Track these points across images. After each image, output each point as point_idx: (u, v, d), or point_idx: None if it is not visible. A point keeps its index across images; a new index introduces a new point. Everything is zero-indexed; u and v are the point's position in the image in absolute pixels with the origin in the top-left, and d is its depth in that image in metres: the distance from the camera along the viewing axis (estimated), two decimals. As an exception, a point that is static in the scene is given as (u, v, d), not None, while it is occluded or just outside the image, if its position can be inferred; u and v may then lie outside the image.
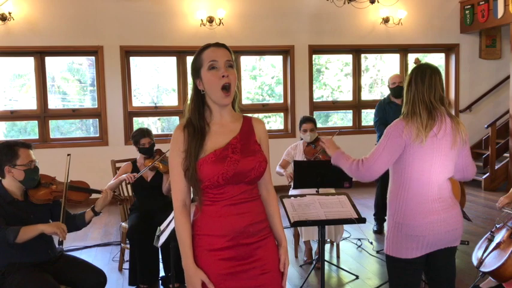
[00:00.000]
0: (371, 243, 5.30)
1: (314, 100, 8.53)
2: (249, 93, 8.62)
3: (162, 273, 4.27)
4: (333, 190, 4.59)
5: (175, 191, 1.99)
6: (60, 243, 3.01)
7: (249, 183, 1.99)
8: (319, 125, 8.21)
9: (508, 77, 8.95)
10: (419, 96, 2.50)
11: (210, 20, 7.69)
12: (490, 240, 3.51)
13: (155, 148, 4.43)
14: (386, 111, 5.52)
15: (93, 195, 3.42)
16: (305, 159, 4.78)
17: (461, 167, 2.63)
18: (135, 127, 7.86)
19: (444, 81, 9.39)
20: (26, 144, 3.11)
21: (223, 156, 1.93)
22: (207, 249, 1.95)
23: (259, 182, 2.08)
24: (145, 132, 4.36)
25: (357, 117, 8.82)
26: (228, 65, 1.95)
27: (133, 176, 4.17)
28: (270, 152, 2.13)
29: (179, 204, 1.99)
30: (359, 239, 5.37)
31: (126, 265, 4.44)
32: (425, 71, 2.54)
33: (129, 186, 4.53)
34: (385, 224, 5.67)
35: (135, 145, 4.39)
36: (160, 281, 4.22)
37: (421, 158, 2.47)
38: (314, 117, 7.80)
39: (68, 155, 3.28)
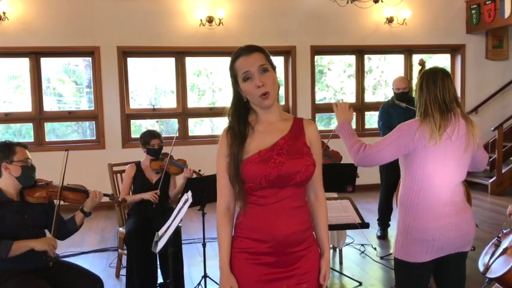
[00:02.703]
0: (374, 248, 5.30)
1: (316, 102, 8.54)
2: (250, 95, 8.63)
3: (160, 279, 4.27)
4: (335, 194, 4.59)
5: (220, 194, 2.01)
6: (50, 259, 3.04)
7: (296, 187, 1.96)
8: (321, 128, 8.24)
9: (515, 79, 8.99)
10: (431, 98, 2.51)
11: (210, 20, 7.71)
12: (497, 246, 3.50)
13: (162, 151, 4.49)
14: (390, 114, 5.52)
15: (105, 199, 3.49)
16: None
17: (475, 162, 2.67)
18: (133, 130, 7.89)
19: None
20: (22, 144, 3.24)
21: (268, 157, 1.92)
22: (249, 252, 1.96)
23: (308, 187, 2.06)
24: (156, 134, 4.49)
25: (360, 120, 8.83)
26: (262, 70, 1.94)
27: (156, 195, 4.25)
28: None
29: (223, 207, 2.00)
30: (362, 245, 5.38)
31: (124, 271, 4.44)
32: (437, 74, 2.56)
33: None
34: (389, 229, 5.72)
35: (144, 146, 4.44)
36: (158, 288, 4.23)
37: (433, 161, 2.48)
38: (316, 119, 7.83)
39: (66, 150, 3.30)
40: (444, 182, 2.50)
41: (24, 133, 7.88)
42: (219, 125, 8.35)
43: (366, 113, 8.86)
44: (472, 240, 2.62)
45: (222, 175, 1.98)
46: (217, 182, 2.02)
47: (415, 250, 2.52)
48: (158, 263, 4.23)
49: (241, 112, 2.01)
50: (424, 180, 2.50)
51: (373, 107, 8.66)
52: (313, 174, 2.00)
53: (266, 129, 2.00)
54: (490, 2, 8.17)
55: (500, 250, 3.42)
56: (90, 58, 7.71)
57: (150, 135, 4.46)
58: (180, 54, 7.99)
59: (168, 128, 8.50)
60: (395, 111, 5.48)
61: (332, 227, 3.40)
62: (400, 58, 8.96)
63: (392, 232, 5.73)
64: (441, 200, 2.50)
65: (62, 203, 3.26)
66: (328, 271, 2.07)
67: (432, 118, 2.47)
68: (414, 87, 2.75)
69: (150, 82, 8.28)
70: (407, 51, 8.83)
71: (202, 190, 3.78)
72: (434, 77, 2.55)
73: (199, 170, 4.45)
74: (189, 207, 3.07)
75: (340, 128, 2.73)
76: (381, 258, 5.03)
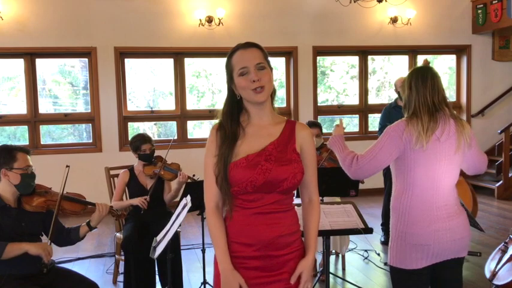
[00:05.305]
0: (378, 254, 5.30)
1: (318, 104, 8.56)
2: (250, 97, 8.64)
3: (158, 286, 4.28)
4: (338, 199, 4.60)
5: (208, 193, 2.02)
6: (44, 265, 2.98)
7: (282, 193, 1.98)
8: (323, 131, 8.23)
9: (522, 80, 9.00)
10: (420, 99, 2.51)
11: (209, 20, 7.73)
12: (504, 252, 3.51)
13: (155, 155, 4.47)
14: (392, 115, 5.54)
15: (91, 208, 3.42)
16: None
17: (473, 163, 2.65)
18: (130, 132, 7.89)
19: (455, 85, 9.35)
20: (25, 150, 3.18)
21: (255, 163, 1.93)
22: (235, 256, 1.97)
23: (302, 191, 2.10)
24: (146, 138, 4.43)
25: (364, 122, 8.84)
26: (259, 67, 1.96)
27: (146, 201, 4.21)
28: None
29: (212, 205, 2.01)
30: (365, 250, 5.38)
31: (121, 278, 4.45)
32: (426, 74, 2.55)
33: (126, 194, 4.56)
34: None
35: (134, 151, 4.42)
36: (156, 294, 4.24)
37: (423, 163, 2.47)
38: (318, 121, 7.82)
39: (67, 166, 3.27)
40: (436, 184, 2.49)
41: (19, 136, 7.89)
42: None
43: (370, 115, 8.86)
44: (467, 245, 2.60)
45: (210, 174, 2.00)
46: (205, 180, 2.03)
47: (411, 256, 2.51)
48: (156, 269, 4.23)
49: (234, 111, 2.03)
50: (415, 183, 2.49)
51: (376, 109, 8.66)
52: (308, 179, 2.04)
53: (256, 133, 2.01)
54: (496, 1, 8.18)
55: (507, 256, 3.43)
56: (86, 59, 7.72)
57: (140, 140, 4.41)
58: (178, 55, 8.00)
59: (167, 130, 8.51)
60: (398, 112, 5.49)
61: (335, 232, 3.41)
62: (404, 59, 8.98)
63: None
64: (434, 204, 2.49)
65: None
66: (305, 272, 2.00)
67: (420, 120, 2.47)
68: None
69: (148, 83, 8.29)
70: (412, 51, 8.85)
71: (202, 194, 3.77)
72: (423, 77, 2.54)
73: (194, 175, 4.44)
74: (188, 211, 3.08)
75: (333, 142, 2.77)
76: (385, 264, 5.02)
